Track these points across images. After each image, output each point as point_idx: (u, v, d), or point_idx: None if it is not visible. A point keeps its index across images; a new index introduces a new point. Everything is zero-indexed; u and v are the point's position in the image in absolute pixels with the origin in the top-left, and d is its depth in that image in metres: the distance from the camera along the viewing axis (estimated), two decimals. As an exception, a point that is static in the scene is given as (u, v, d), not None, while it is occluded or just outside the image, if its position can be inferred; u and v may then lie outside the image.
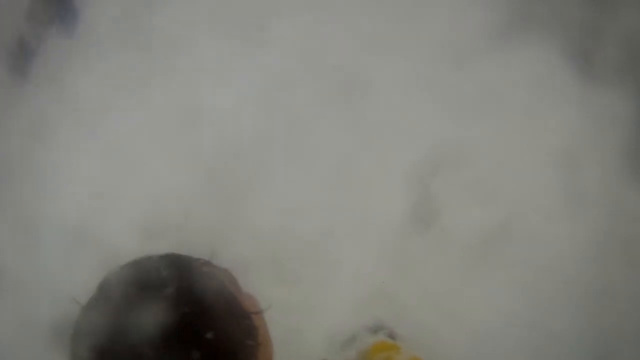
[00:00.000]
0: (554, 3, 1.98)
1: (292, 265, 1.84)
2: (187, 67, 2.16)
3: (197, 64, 2.15)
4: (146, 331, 0.49)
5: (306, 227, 1.88)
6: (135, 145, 2.06)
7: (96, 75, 2.20)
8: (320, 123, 1.97)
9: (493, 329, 1.68)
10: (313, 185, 1.91)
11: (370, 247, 1.84)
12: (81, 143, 2.11)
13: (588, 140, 1.83)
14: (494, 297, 1.73)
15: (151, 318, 0.49)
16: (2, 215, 2.01)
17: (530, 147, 1.86)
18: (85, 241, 1.92)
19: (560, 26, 1.94)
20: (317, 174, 1.92)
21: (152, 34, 2.28)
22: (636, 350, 1.57)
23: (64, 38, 2.25)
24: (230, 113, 2.04)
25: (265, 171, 1.95)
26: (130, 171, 2.01)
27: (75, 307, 0.59)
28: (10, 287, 1.89)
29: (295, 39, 2.08)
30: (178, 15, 2.27)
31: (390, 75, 1.98)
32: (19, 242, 1.96)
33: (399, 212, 1.84)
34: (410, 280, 1.81)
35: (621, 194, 1.76)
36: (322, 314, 1.78)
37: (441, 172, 1.87)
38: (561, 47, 1.93)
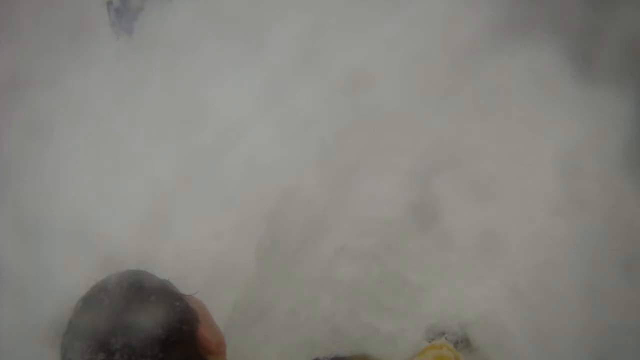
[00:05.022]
0: (554, 3, 1.98)
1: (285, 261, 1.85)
2: (188, 67, 2.16)
3: (198, 64, 2.15)
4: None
5: (305, 224, 1.88)
6: (136, 145, 2.06)
7: (96, 74, 2.21)
8: (320, 122, 1.97)
9: (492, 328, 1.69)
10: (313, 184, 1.91)
11: (369, 246, 1.84)
12: (81, 142, 2.12)
13: (588, 140, 1.84)
14: (492, 297, 1.73)
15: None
16: (2, 215, 2.02)
17: (530, 147, 1.86)
18: (85, 241, 1.92)
19: (560, 26, 1.95)
20: (317, 172, 1.93)
21: (152, 34, 2.29)
22: (635, 351, 1.58)
23: None
24: (231, 113, 2.04)
25: (267, 168, 1.96)
26: (130, 171, 2.01)
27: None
28: (10, 287, 1.90)
29: (295, 38, 2.08)
30: (179, 15, 2.28)
31: (390, 75, 1.98)
32: (19, 242, 1.96)
33: (399, 212, 1.84)
34: (409, 280, 1.81)
35: (620, 194, 1.76)
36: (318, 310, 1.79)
37: (441, 172, 1.87)
38: (561, 48, 1.93)
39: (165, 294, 0.77)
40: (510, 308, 1.69)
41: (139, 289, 0.75)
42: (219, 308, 1.72)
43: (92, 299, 0.76)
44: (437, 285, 1.74)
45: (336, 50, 2.01)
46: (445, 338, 1.61)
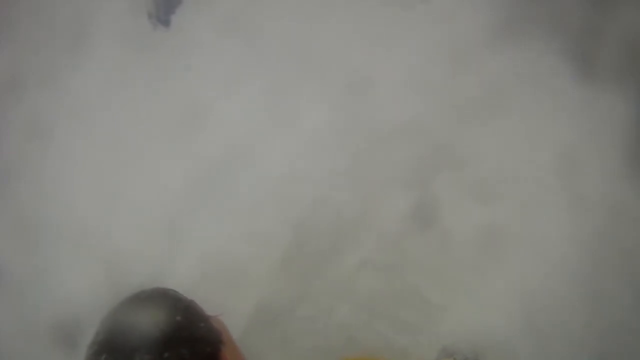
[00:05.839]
0: (554, 3, 1.98)
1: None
2: (190, 70, 2.16)
3: (200, 67, 2.16)
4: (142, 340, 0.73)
5: (307, 224, 1.89)
6: (136, 146, 2.06)
7: (96, 75, 2.21)
8: (323, 127, 1.98)
9: (493, 328, 1.69)
10: (314, 184, 1.91)
11: (370, 246, 1.84)
12: (81, 143, 2.12)
13: (588, 140, 1.84)
14: (493, 297, 1.73)
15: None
16: (2, 215, 2.02)
17: (530, 147, 1.86)
18: (85, 241, 1.92)
19: (560, 26, 1.95)
20: (318, 172, 1.93)
21: (153, 36, 2.29)
22: (635, 351, 1.58)
23: None
24: (231, 115, 2.04)
25: (267, 173, 1.96)
26: (130, 172, 2.02)
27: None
28: (10, 287, 1.90)
29: (298, 42, 2.08)
30: (181, 17, 2.28)
31: (391, 75, 1.98)
32: (19, 242, 1.96)
33: (403, 215, 1.84)
34: (410, 280, 1.81)
35: (621, 194, 1.76)
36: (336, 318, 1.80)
37: (443, 174, 1.87)
38: (561, 48, 1.93)
39: (191, 314, 0.80)
40: (508, 308, 1.70)
41: (166, 308, 0.78)
42: (241, 308, 1.76)
43: (120, 313, 0.79)
44: (453, 303, 1.75)
45: (336, 54, 2.02)
46: (454, 358, 1.62)
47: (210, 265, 1.80)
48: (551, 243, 1.73)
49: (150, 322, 0.75)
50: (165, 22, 2.29)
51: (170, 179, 1.97)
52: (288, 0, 2.16)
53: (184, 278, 1.69)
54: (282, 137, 1.98)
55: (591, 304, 1.64)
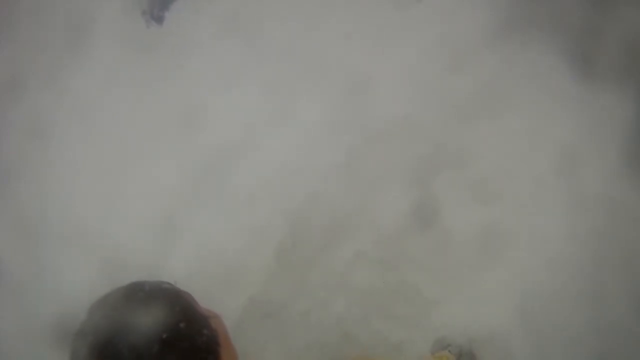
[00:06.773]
0: (554, 3, 1.99)
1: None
2: (188, 68, 2.16)
3: (198, 65, 2.16)
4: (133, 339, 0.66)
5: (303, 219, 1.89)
6: (136, 145, 2.06)
7: (96, 74, 2.21)
8: (320, 124, 1.97)
9: (489, 324, 1.69)
10: (314, 184, 1.91)
11: (366, 242, 1.84)
12: (81, 143, 2.12)
13: (588, 140, 1.84)
14: (493, 297, 1.73)
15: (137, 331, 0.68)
16: (2, 215, 2.02)
17: (530, 147, 1.87)
18: (85, 241, 1.92)
19: (560, 26, 1.95)
20: (317, 170, 1.93)
21: (153, 36, 2.29)
22: (635, 350, 1.58)
23: None
24: (229, 113, 2.04)
25: (264, 168, 1.96)
26: (130, 171, 2.02)
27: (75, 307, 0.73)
28: (10, 287, 1.90)
29: (295, 40, 2.09)
30: (180, 16, 2.28)
31: (390, 74, 1.98)
32: (19, 242, 1.96)
33: (399, 212, 1.84)
34: (407, 276, 1.81)
35: (621, 193, 1.76)
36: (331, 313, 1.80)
37: (441, 172, 1.87)
38: (561, 47, 1.93)
39: (194, 320, 0.72)
40: (508, 308, 1.70)
41: (168, 311, 0.70)
42: (235, 302, 1.76)
43: (116, 310, 0.70)
44: (449, 299, 1.74)
45: (335, 54, 2.02)
46: (449, 351, 1.62)
47: (206, 260, 1.80)
48: (550, 242, 1.73)
49: (150, 327, 0.67)
50: (159, 19, 2.27)
51: (169, 176, 1.98)
52: (288, 0, 2.17)
53: (180, 273, 1.69)
54: (281, 135, 1.98)
55: (590, 303, 1.65)
